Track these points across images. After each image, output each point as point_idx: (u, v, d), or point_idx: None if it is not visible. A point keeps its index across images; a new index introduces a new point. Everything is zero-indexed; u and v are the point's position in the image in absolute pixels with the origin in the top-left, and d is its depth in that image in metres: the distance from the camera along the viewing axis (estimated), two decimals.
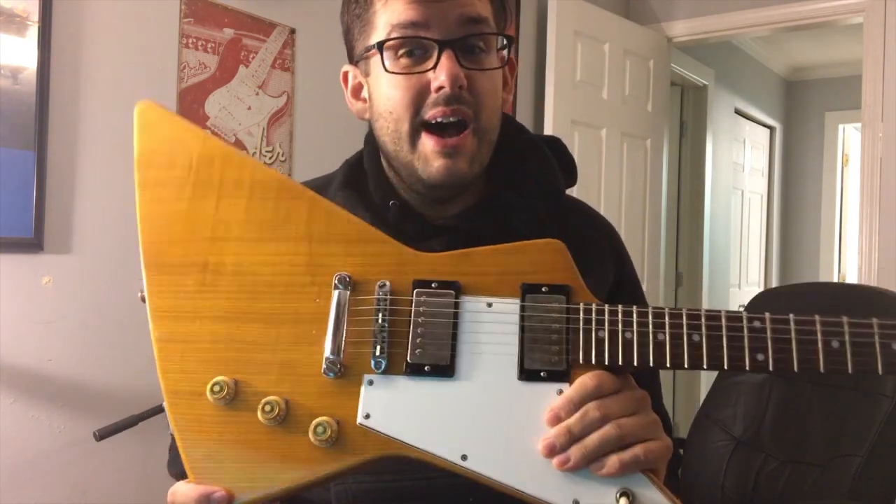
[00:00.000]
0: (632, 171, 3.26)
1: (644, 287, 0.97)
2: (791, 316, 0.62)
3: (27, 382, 1.65)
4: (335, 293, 0.67)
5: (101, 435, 1.50)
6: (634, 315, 0.64)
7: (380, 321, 0.66)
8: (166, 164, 0.72)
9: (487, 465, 0.63)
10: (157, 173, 0.72)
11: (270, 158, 2.13)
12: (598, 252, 0.90)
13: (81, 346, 1.74)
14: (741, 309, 1.88)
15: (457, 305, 0.67)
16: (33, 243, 1.65)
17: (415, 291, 0.67)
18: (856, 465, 1.43)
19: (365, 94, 0.85)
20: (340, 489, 0.76)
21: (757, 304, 1.79)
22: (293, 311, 0.68)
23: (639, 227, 3.31)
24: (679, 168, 4.32)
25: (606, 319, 0.65)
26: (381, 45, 0.77)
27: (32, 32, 1.63)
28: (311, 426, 0.64)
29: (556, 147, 0.90)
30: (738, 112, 4.89)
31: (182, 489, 0.66)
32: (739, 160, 4.96)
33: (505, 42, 0.81)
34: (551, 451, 0.62)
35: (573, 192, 0.94)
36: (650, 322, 0.64)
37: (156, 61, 1.88)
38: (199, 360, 0.67)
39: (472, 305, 0.67)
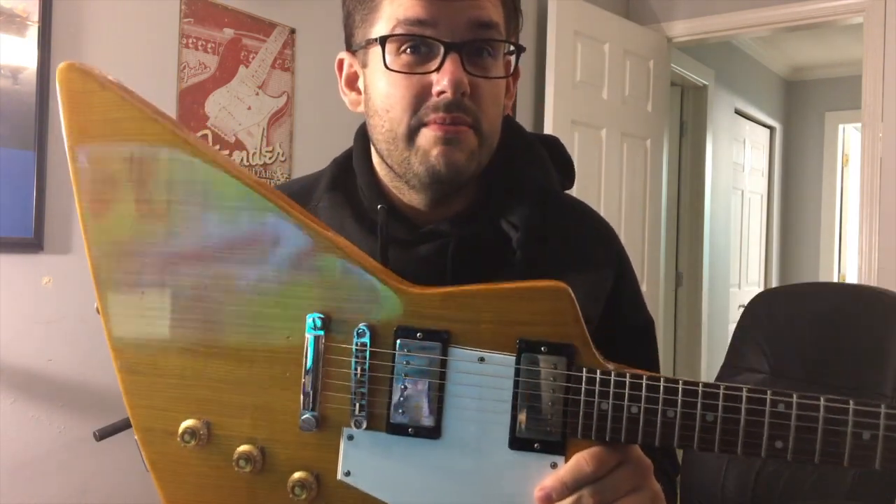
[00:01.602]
0: (632, 171, 3.26)
1: (644, 287, 0.96)
2: (822, 400, 0.55)
3: (27, 382, 1.65)
4: (309, 338, 0.61)
5: (101, 435, 1.50)
6: (643, 389, 0.57)
7: (358, 375, 0.60)
8: (100, 153, 0.62)
9: None
10: (92, 165, 0.62)
11: (270, 158, 2.12)
12: (595, 256, 0.86)
13: (81, 346, 1.74)
14: (741, 309, 1.88)
15: (444, 364, 0.60)
16: (33, 243, 1.64)
17: (398, 342, 0.60)
18: None
19: (360, 84, 0.80)
20: None
21: (757, 304, 1.79)
22: (265, 349, 0.62)
23: (639, 227, 3.31)
24: (679, 168, 4.32)
25: (611, 392, 0.58)
26: (383, 40, 0.73)
27: (32, 32, 1.63)
28: (289, 486, 0.61)
29: (553, 146, 0.87)
30: (738, 112, 4.89)
31: None
32: (739, 160, 4.96)
33: (512, 49, 0.78)
34: None
35: (572, 192, 0.93)
36: (661, 398, 0.57)
37: (156, 61, 1.87)
38: (169, 396, 0.62)
39: (462, 360, 0.60)
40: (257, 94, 2.09)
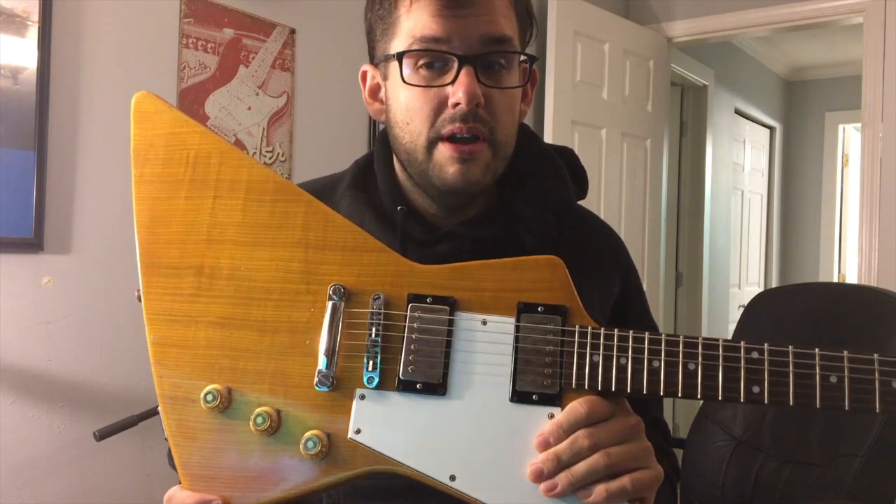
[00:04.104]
0: (632, 171, 3.26)
1: (644, 287, 0.98)
2: (790, 347, 0.61)
3: (27, 382, 1.65)
4: (329, 304, 0.66)
5: (101, 435, 1.50)
6: (630, 340, 0.63)
7: (373, 335, 0.66)
8: (163, 159, 0.71)
9: (475, 486, 0.63)
10: (153, 169, 0.71)
11: (270, 158, 2.12)
12: (604, 265, 0.90)
13: (81, 346, 1.74)
14: (741, 310, 1.88)
15: (451, 322, 0.66)
16: (33, 243, 1.64)
17: (409, 306, 0.66)
18: (856, 465, 1.43)
19: (382, 95, 0.84)
20: None
21: (757, 304, 1.79)
22: (287, 320, 0.67)
23: (639, 227, 3.31)
24: (679, 168, 4.32)
25: (602, 344, 0.63)
26: (400, 56, 0.76)
27: (32, 32, 1.63)
28: (302, 440, 0.64)
29: (568, 158, 0.90)
30: (738, 112, 4.89)
31: (179, 497, 0.66)
32: (739, 160, 4.96)
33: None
34: (539, 477, 0.62)
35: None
36: (646, 348, 0.63)
37: (156, 61, 1.87)
38: (194, 365, 0.67)
39: (467, 322, 0.66)
40: (257, 94, 2.09)
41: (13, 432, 1.62)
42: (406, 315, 0.66)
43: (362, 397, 0.65)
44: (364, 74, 0.87)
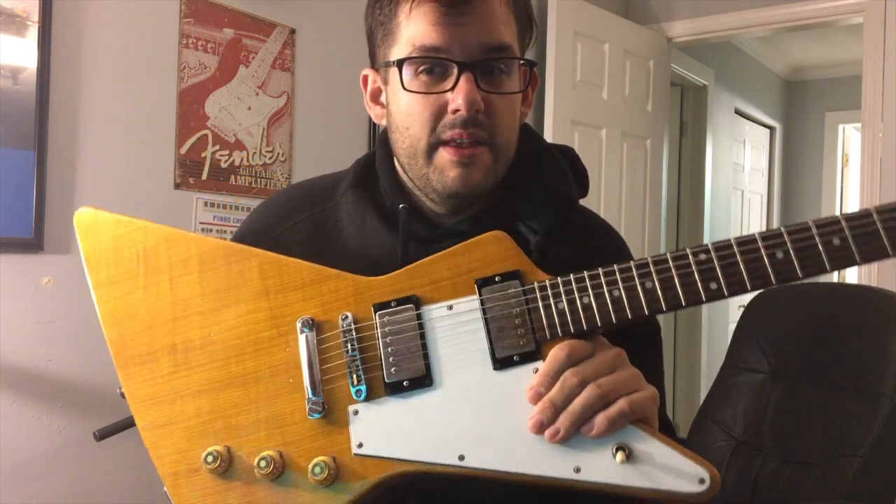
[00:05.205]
0: (632, 171, 3.26)
1: None
2: (732, 239, 0.64)
3: (27, 382, 1.65)
4: (301, 337, 0.69)
5: (101, 435, 1.50)
6: (587, 279, 0.66)
7: (350, 351, 0.68)
8: (114, 261, 0.74)
9: (485, 459, 0.65)
10: (108, 272, 0.73)
11: (270, 158, 2.12)
12: (606, 262, 0.90)
13: (81, 346, 1.74)
14: (741, 310, 1.88)
15: (419, 317, 0.69)
16: (33, 243, 1.64)
17: (377, 314, 0.69)
18: (856, 465, 1.43)
19: (384, 99, 0.84)
20: None
21: (757, 305, 1.79)
22: (267, 366, 0.70)
23: (639, 228, 3.31)
24: (679, 168, 4.32)
25: (562, 290, 0.67)
26: (400, 63, 0.77)
27: (32, 32, 1.63)
28: (309, 469, 0.66)
29: (569, 157, 0.90)
30: (738, 112, 4.89)
31: None
32: (739, 160, 4.96)
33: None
34: (540, 428, 0.64)
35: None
36: (603, 281, 0.66)
37: (156, 61, 1.87)
38: (188, 436, 0.69)
39: (434, 312, 0.69)
40: (257, 94, 2.09)
41: (13, 432, 1.62)
42: (376, 322, 0.69)
43: (356, 412, 0.67)
44: (365, 79, 0.87)
